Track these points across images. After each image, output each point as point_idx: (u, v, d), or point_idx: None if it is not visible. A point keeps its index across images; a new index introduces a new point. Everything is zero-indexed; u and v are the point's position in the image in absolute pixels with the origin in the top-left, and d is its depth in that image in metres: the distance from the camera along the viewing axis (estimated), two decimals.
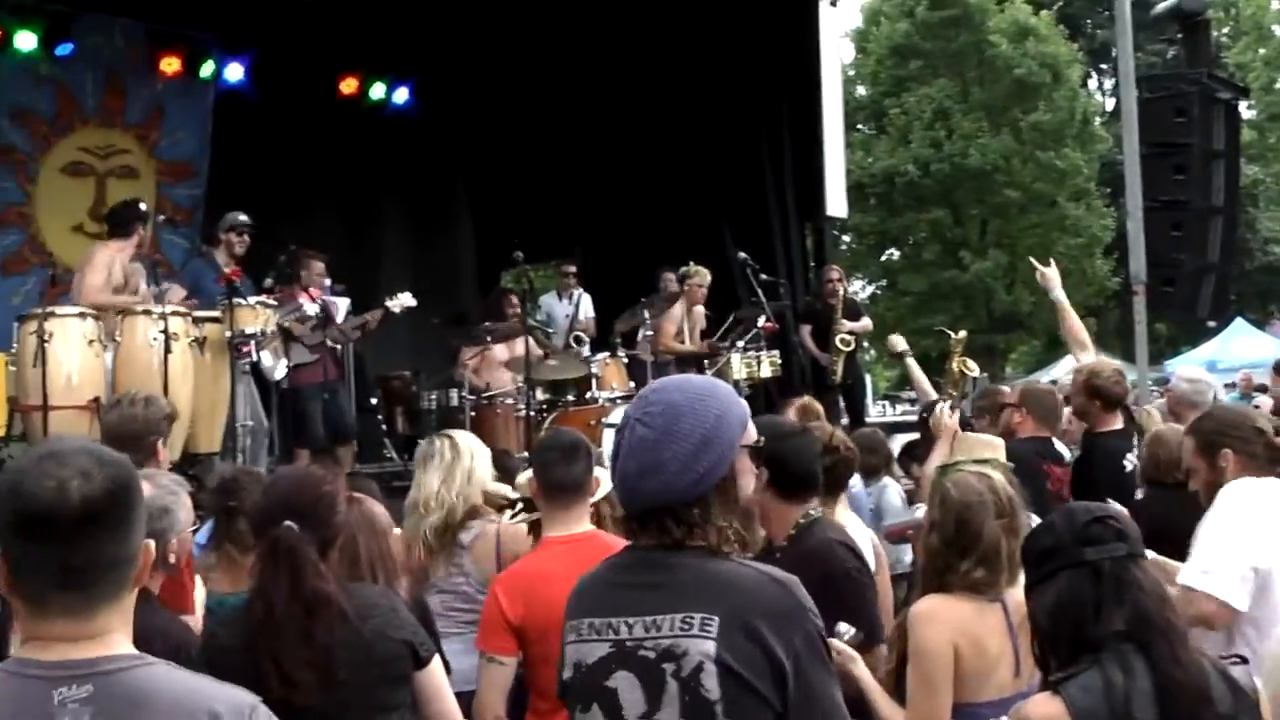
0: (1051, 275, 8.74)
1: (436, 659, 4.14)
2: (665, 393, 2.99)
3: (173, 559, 4.26)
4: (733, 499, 2.96)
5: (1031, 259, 9.94)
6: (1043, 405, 7.55)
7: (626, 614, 2.90)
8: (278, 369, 10.75)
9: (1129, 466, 7.16)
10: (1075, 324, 8.64)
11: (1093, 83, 45.77)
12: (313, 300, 11.49)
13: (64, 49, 13.81)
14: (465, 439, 6.25)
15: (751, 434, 3.02)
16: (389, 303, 11.98)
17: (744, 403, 3.08)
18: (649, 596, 2.89)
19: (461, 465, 6.02)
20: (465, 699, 5.11)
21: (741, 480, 2.99)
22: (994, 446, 6.91)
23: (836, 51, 13.96)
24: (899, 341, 11.18)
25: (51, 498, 2.27)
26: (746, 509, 4.34)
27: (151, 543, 2.43)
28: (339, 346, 11.92)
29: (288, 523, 3.89)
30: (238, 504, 4.90)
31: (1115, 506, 3.69)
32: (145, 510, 2.43)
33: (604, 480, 5.17)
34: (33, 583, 2.33)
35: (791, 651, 2.80)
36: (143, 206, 10.45)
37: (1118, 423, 7.45)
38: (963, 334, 9.22)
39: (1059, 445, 7.74)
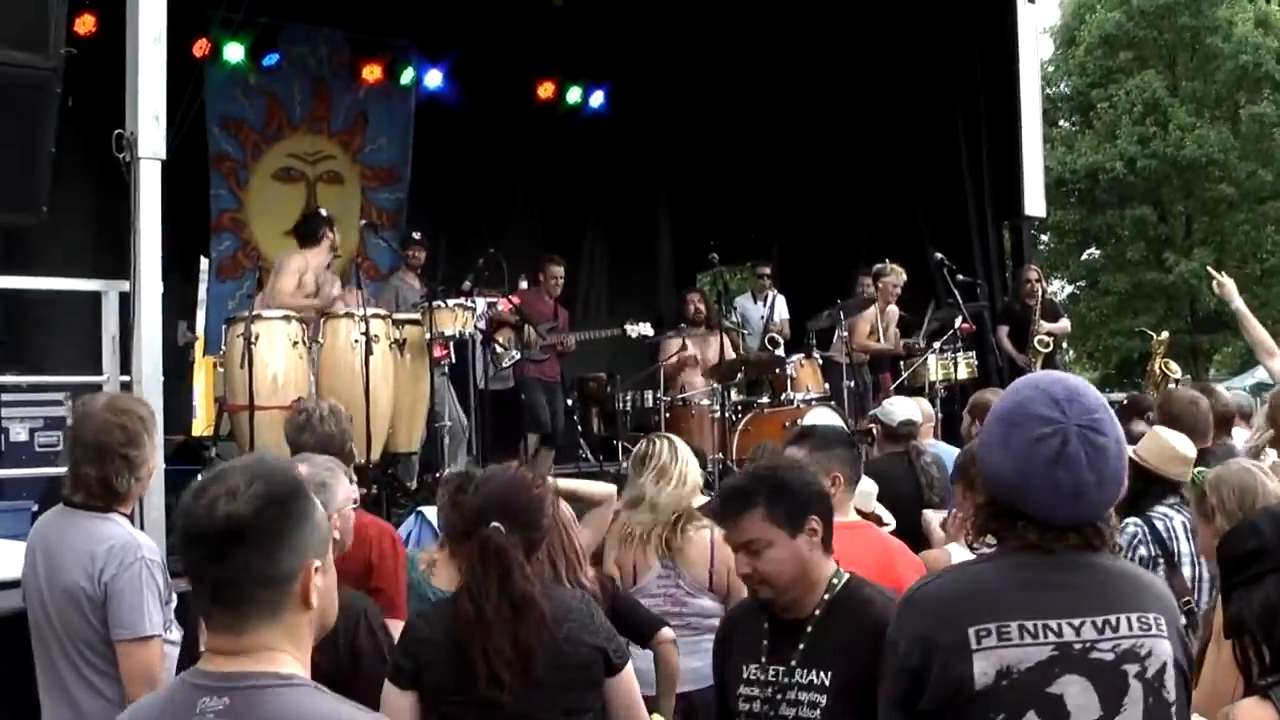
0: (1229, 285, 8.62)
1: (629, 666, 4.13)
2: (1092, 396, 2.83)
3: (337, 535, 4.17)
4: None
5: (1209, 268, 9.75)
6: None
7: (1068, 615, 2.73)
8: (507, 356, 11.02)
9: None
10: (1259, 331, 8.53)
11: None
12: (511, 305, 11.65)
13: (270, 59, 14.20)
14: (681, 442, 6.27)
15: None
16: (628, 327, 12.27)
17: None
18: (1087, 596, 2.76)
19: (678, 467, 6.05)
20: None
21: None
22: (1181, 449, 6.59)
23: (1035, 49, 13.69)
24: None
25: (202, 514, 2.35)
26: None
27: (317, 562, 2.43)
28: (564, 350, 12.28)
29: (495, 524, 3.92)
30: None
31: None
32: (314, 529, 2.44)
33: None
34: (198, 597, 2.41)
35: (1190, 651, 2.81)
36: (324, 213, 10.70)
37: None
38: (1165, 335, 9.07)
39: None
